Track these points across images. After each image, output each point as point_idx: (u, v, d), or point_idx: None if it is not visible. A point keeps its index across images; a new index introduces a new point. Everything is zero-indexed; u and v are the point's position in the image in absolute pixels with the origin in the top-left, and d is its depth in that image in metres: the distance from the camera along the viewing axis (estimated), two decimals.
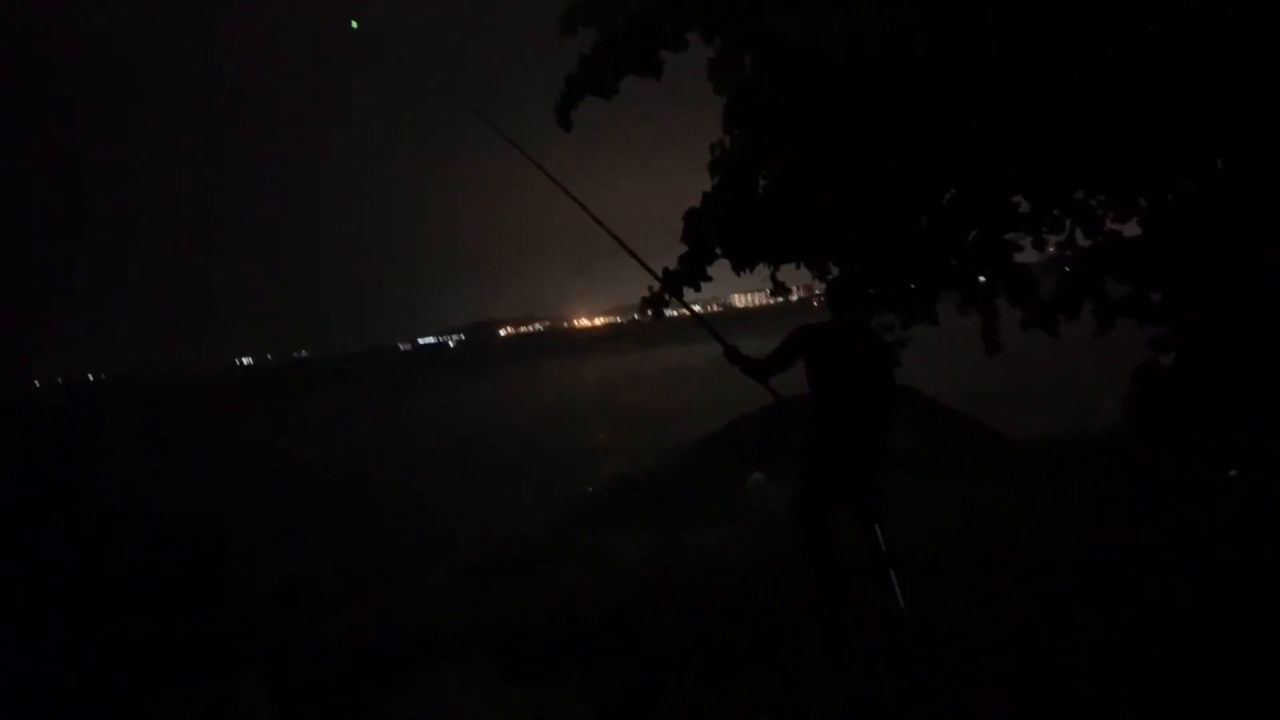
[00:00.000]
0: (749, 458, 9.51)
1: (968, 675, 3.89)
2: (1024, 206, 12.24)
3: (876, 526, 4.54)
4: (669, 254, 13.24)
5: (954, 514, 6.36)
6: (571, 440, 24.50)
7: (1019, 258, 14.16)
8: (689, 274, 13.03)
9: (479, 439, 26.83)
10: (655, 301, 13.42)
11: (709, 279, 13.10)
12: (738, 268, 12.68)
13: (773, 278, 13.10)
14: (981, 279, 13.58)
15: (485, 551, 7.24)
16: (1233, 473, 6.16)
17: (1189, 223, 10.49)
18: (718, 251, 12.54)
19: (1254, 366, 9.60)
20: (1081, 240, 13.93)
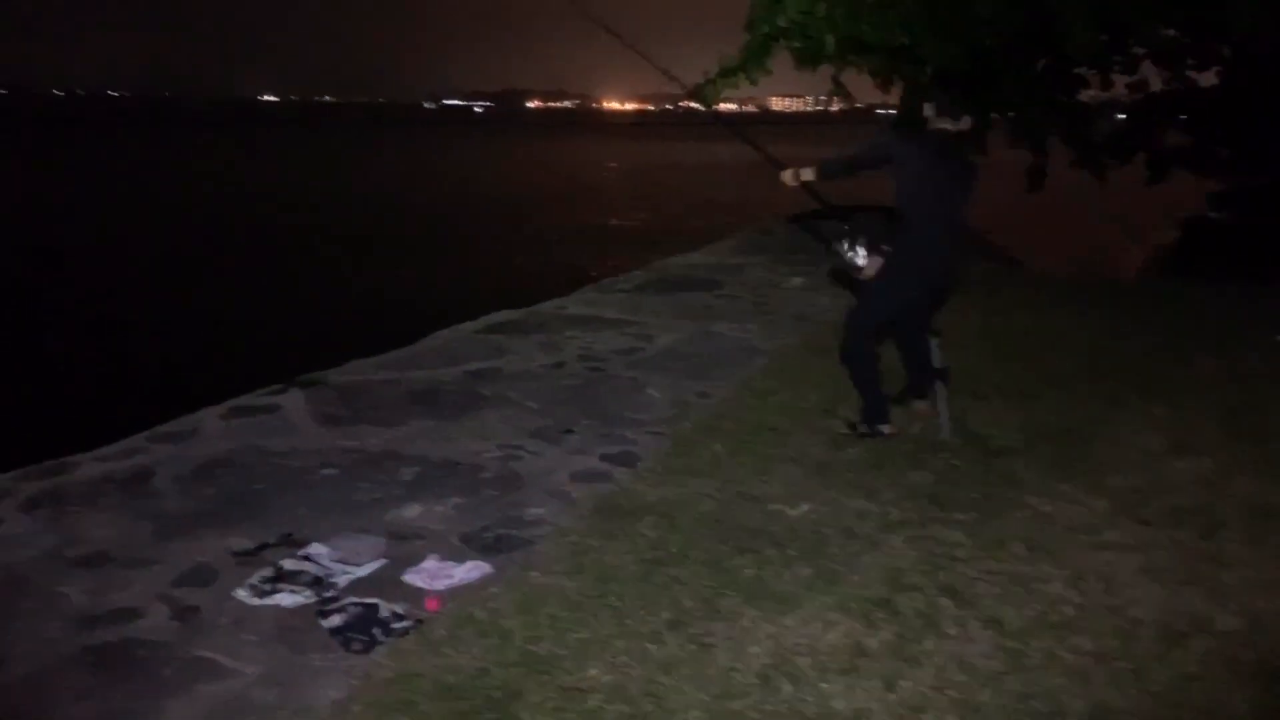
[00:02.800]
0: (786, 261, 9.52)
1: (994, 479, 4.06)
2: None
3: (933, 341, 4.63)
4: (725, 39, 12.77)
5: (980, 335, 6.39)
6: (598, 222, 24.37)
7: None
8: (745, 64, 12.60)
9: (507, 207, 26.63)
10: (706, 91, 13.10)
11: (768, 71, 12.66)
12: (802, 64, 12.20)
13: (835, 79, 12.61)
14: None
15: (516, 314, 7.35)
16: (1278, 337, 6.13)
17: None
18: (781, 44, 12.05)
19: None
20: (1155, 86, 13.43)
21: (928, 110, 4.44)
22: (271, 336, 9.87)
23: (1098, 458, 4.29)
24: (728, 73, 12.95)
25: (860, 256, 4.47)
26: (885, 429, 4.61)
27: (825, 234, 4.69)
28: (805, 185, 4.60)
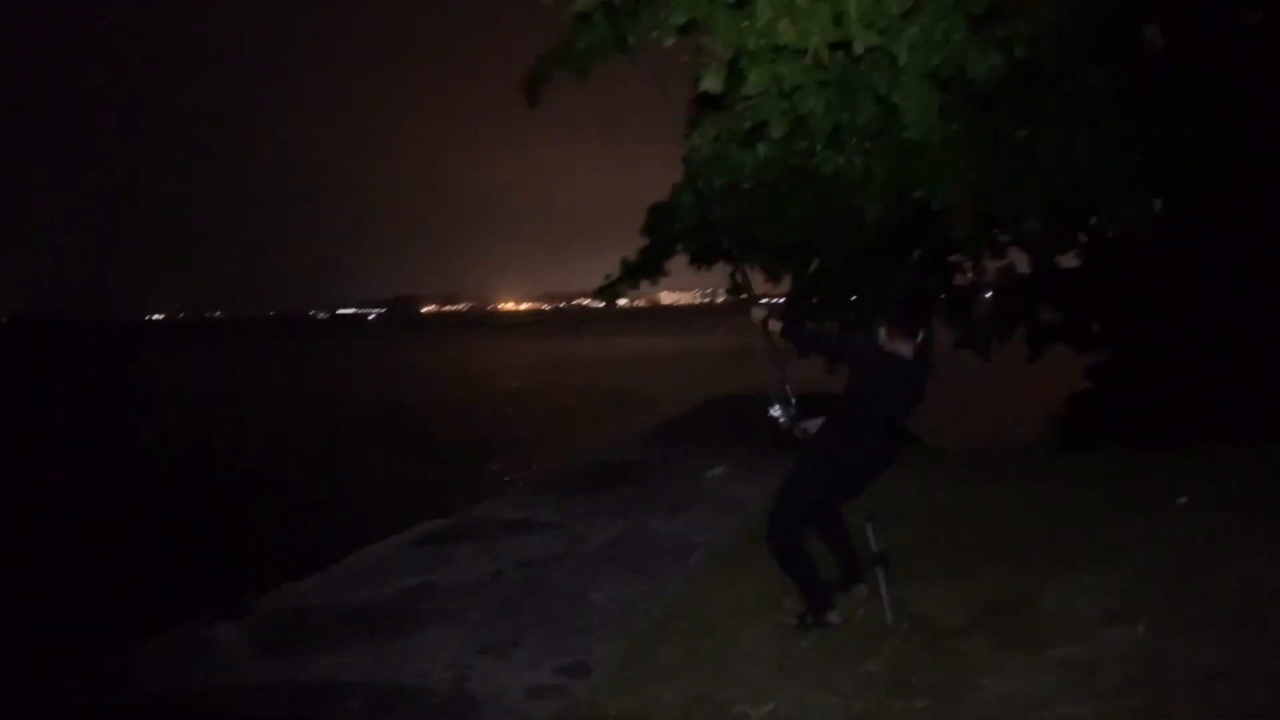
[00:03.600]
0: (704, 450, 9.72)
1: (946, 661, 4.12)
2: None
3: (869, 525, 4.74)
4: (625, 243, 13.49)
5: (905, 515, 6.57)
6: (513, 419, 24.38)
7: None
8: (646, 265, 13.27)
9: (416, 411, 26.51)
10: (610, 290, 13.69)
11: (666, 273, 13.39)
12: (698, 262, 12.93)
13: (732, 276, 13.32)
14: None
15: (446, 523, 7.27)
16: (1182, 500, 6.43)
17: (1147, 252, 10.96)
18: (678, 247, 12.79)
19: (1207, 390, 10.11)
20: (1021, 267, 14.64)
21: (881, 334, 4.60)
22: (188, 559, 9.48)
23: (1041, 631, 4.40)
24: (631, 273, 13.60)
25: (786, 420, 4.70)
26: (832, 618, 4.65)
27: (767, 401, 4.81)
28: (767, 331, 4.78)
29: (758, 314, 4.86)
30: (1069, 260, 14.22)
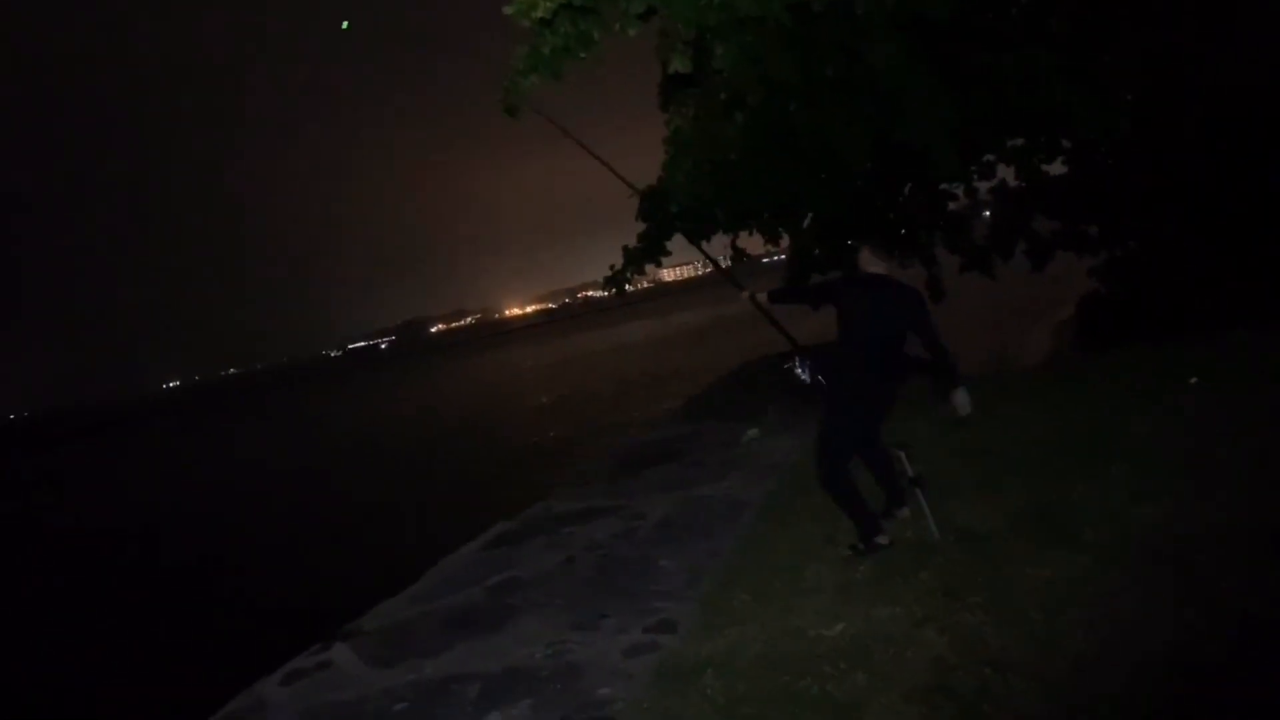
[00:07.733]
0: (735, 417, 10.13)
1: (992, 562, 4.54)
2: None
3: (903, 453, 5.18)
4: (627, 231, 13.81)
5: (936, 439, 6.99)
6: (547, 422, 24.88)
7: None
8: (649, 250, 13.63)
9: (457, 427, 27.11)
10: (617, 279, 14.04)
11: (668, 253, 13.70)
12: (695, 238, 13.28)
13: (733, 245, 13.71)
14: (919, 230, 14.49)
15: (510, 524, 7.69)
16: (1193, 380, 6.80)
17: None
18: (676, 225, 13.14)
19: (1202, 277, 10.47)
20: (1011, 182, 14.90)
21: (862, 257, 5.24)
22: (281, 598, 10.06)
23: (1074, 522, 4.80)
24: (634, 259, 13.97)
25: (805, 373, 5.38)
26: (883, 540, 5.09)
27: (782, 360, 5.63)
28: (756, 303, 5.58)
29: (744, 296, 5.62)
30: (1057, 169, 14.53)
